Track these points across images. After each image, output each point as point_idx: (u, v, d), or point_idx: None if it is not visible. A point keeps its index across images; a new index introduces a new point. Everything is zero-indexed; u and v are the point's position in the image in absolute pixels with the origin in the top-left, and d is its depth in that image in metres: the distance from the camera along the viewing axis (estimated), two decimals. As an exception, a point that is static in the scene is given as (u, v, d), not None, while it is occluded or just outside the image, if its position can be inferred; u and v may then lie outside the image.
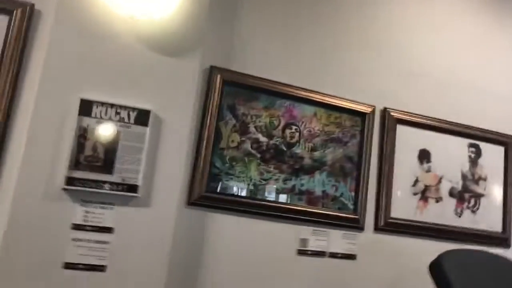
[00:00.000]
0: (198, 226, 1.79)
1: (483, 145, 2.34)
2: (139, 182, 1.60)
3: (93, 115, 1.55)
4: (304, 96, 2.01)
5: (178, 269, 1.72)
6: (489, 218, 2.29)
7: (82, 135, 1.54)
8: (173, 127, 1.69)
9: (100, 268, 1.52)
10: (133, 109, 1.63)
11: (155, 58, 1.70)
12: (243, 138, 1.90)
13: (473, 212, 2.27)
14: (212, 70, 1.87)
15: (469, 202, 2.26)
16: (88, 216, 1.53)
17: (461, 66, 2.38)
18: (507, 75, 2.49)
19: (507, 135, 2.39)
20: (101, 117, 1.56)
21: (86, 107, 1.54)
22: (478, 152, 2.32)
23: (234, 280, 1.82)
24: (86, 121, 1.54)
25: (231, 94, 1.90)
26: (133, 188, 1.59)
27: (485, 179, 2.32)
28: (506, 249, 2.30)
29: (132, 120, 1.62)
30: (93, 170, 1.54)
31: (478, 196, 2.29)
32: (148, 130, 1.63)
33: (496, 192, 2.33)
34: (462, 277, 1.53)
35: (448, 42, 2.38)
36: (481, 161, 2.32)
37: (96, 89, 1.58)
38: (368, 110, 2.12)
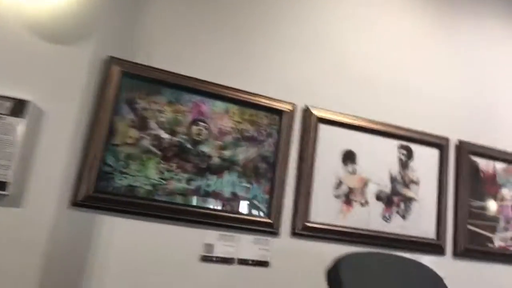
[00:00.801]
0: (84, 229, 1.64)
1: (415, 147, 2.22)
2: (9, 179, 1.45)
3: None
4: (215, 92, 1.89)
5: (58, 275, 1.56)
6: (421, 224, 2.15)
7: None
8: (56, 120, 1.56)
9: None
10: (8, 98, 1.50)
11: (40, 45, 1.58)
12: (142, 134, 1.77)
13: (403, 217, 2.13)
14: (110, 61, 1.75)
15: (398, 207, 2.13)
16: None
17: (395, 67, 2.28)
18: (443, 76, 2.38)
19: (442, 137, 2.27)
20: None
21: None
22: (409, 155, 2.20)
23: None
24: None
25: (131, 87, 1.78)
26: (1, 185, 1.44)
27: (417, 183, 2.19)
28: (441, 256, 2.16)
29: (6, 111, 1.49)
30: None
31: (409, 200, 2.15)
32: (23, 122, 1.50)
33: (429, 196, 2.20)
34: (357, 280, 1.40)
35: (381, 41, 2.28)
36: (412, 164, 2.20)
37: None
38: (287, 108, 1.99)
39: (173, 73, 1.83)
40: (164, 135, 1.79)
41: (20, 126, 1.49)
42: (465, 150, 2.30)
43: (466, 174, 2.28)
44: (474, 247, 2.23)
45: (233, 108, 1.92)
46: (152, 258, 1.71)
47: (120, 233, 1.68)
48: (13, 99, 1.51)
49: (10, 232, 1.45)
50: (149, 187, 1.74)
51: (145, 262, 1.70)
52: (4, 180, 1.45)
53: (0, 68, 1.53)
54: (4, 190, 1.45)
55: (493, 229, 2.30)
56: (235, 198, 1.86)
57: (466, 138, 2.34)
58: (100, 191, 1.66)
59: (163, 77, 1.81)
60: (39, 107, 1.55)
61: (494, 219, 2.31)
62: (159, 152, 1.77)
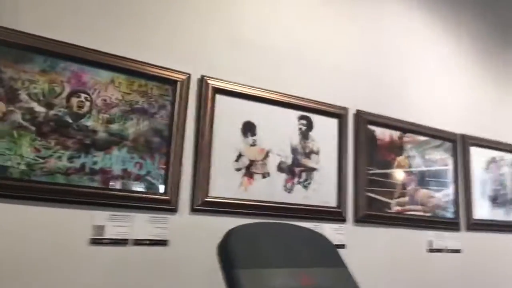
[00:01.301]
0: None
1: (314, 117, 2.22)
2: None
3: None
4: (96, 60, 1.72)
5: None
6: (323, 193, 2.17)
7: None
8: None
9: None
10: None
11: None
12: (10, 108, 1.55)
13: (305, 187, 2.13)
14: (-34, 25, 1.50)
15: (300, 177, 2.12)
16: None
17: (294, 36, 2.26)
18: (343, 47, 2.41)
19: (340, 106, 2.30)
20: None
21: None
22: (309, 125, 2.20)
23: (6, 280, 1.46)
24: None
25: (-6, 54, 1.55)
26: None
27: (317, 153, 2.20)
28: (342, 223, 2.20)
29: None
30: None
31: (310, 171, 2.16)
32: None
33: (330, 166, 2.22)
34: (246, 250, 1.34)
35: (280, 11, 2.24)
36: (312, 134, 2.20)
37: None
38: (181, 78, 1.88)
39: (47, 38, 1.64)
40: (39, 108, 1.60)
41: None
42: (363, 119, 2.36)
43: (364, 143, 2.34)
44: (373, 213, 2.30)
45: (120, 77, 1.76)
46: (35, 245, 1.53)
47: (-11, 219, 1.46)
48: None
49: None
50: (23, 167, 1.54)
51: (27, 250, 1.51)
52: None
53: None
54: None
55: (390, 195, 2.39)
56: (126, 175, 1.72)
57: (364, 108, 2.39)
58: (-41, 173, 1.43)
59: (32, 42, 1.61)
60: None
61: (391, 185, 2.40)
62: (33, 128, 1.58)
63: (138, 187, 1.73)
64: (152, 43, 1.87)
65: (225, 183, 1.92)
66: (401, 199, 2.42)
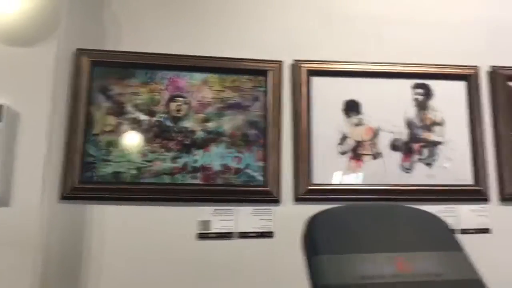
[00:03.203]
0: (76, 220, 1.67)
1: (434, 83, 1.92)
2: (-7, 181, 1.52)
3: None
4: (188, 64, 1.81)
5: (56, 269, 1.60)
6: (453, 169, 1.86)
7: None
8: (32, 120, 1.60)
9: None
10: (-18, 105, 1.57)
11: (7, 50, 1.64)
12: (119, 120, 1.75)
13: (429, 164, 1.85)
14: (78, 53, 1.76)
15: (420, 154, 1.86)
16: None
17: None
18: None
19: (467, 66, 1.94)
20: None
21: None
22: (427, 93, 1.91)
23: (125, 274, 1.66)
24: None
25: (102, 75, 1.78)
26: (-15, 187, 1.52)
27: (441, 124, 1.89)
28: (484, 204, 1.85)
29: (-18, 117, 1.57)
30: None
31: (433, 145, 1.87)
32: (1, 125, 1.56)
33: (459, 137, 1.89)
34: (332, 235, 1.22)
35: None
36: (433, 102, 1.91)
37: None
38: (272, 66, 1.85)
39: (143, 53, 1.80)
40: (143, 117, 1.76)
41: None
42: (501, 75, 1.94)
43: (505, 103, 1.92)
44: (528, 188, 1.86)
45: (212, 77, 1.82)
46: (146, 242, 1.69)
47: (110, 220, 1.68)
48: (-13, 105, 1.57)
49: (3, 231, 1.51)
50: (134, 171, 1.72)
51: (140, 247, 1.69)
52: (-13, 182, 1.52)
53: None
54: (-11, 191, 1.51)
55: (553, 164, 1.90)
56: (226, 169, 1.76)
57: (501, 63, 1.96)
58: (85, 181, 1.68)
59: (132, 58, 1.79)
60: (13, 110, 1.60)
61: (552, 151, 1.91)
62: (139, 135, 1.74)
63: (238, 181, 1.76)
64: (239, 38, 1.88)
65: (329, 169, 1.81)
66: None
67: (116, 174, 1.71)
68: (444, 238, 1.23)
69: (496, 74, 1.94)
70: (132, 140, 1.74)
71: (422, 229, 1.26)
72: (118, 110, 1.75)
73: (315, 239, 1.21)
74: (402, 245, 1.19)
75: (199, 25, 1.87)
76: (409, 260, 1.15)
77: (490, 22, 2.00)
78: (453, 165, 1.86)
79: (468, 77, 1.93)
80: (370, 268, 1.13)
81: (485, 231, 1.82)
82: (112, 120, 1.74)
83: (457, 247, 1.21)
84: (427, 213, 1.32)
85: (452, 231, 1.28)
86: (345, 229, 1.24)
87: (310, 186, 1.77)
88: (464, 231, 1.81)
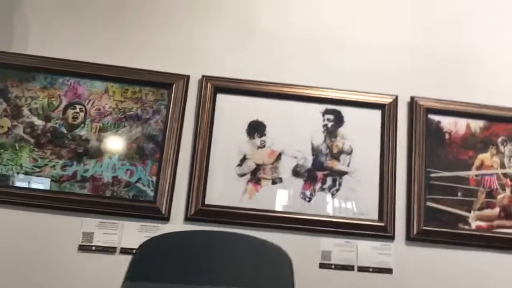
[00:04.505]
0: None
1: (346, 110, 1.84)
2: None
3: None
4: (89, 72, 1.79)
5: None
6: (357, 202, 1.77)
7: None
8: None
9: None
10: None
11: None
12: (14, 123, 1.74)
13: (332, 194, 1.77)
14: (-21, 55, 1.76)
15: (323, 183, 1.78)
16: None
17: (311, 20, 1.94)
18: (383, 21, 1.96)
19: (385, 94, 1.86)
20: None
21: None
22: (337, 120, 1.84)
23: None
24: None
25: (2, 77, 1.76)
26: None
27: (349, 153, 1.81)
28: (387, 242, 1.74)
29: None
30: None
31: (338, 174, 1.79)
32: None
33: (368, 168, 1.80)
34: (146, 261, 1.16)
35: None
36: (342, 130, 1.83)
37: None
38: (177, 80, 1.81)
39: (47, 57, 1.79)
40: (38, 122, 1.74)
41: None
42: (420, 107, 1.85)
43: (422, 137, 1.83)
44: (438, 229, 1.75)
45: (113, 87, 1.79)
46: (30, 248, 1.65)
47: (-6, 224, 1.65)
48: None
49: None
50: (22, 176, 1.69)
51: (23, 253, 1.64)
52: None
53: None
54: None
55: (468, 206, 1.79)
56: (117, 182, 1.72)
57: (422, 93, 1.88)
58: (-28, 182, 1.66)
59: (34, 62, 1.77)
60: None
61: (469, 193, 1.80)
62: (32, 140, 1.72)
63: (128, 194, 1.71)
64: (146, 49, 1.85)
65: (225, 190, 1.74)
66: (486, 212, 1.79)
67: (3, 177, 1.68)
68: (273, 275, 1.15)
69: (415, 105, 1.85)
70: (24, 144, 1.71)
71: (253, 262, 1.17)
72: (15, 113, 1.74)
73: (131, 264, 1.15)
74: (222, 279, 1.12)
75: (106, 33, 1.85)
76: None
77: (414, 50, 1.92)
78: (357, 197, 1.77)
79: (385, 106, 1.84)
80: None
81: (386, 271, 1.71)
82: (7, 122, 1.73)
83: (283, 286, 1.12)
84: (269, 246, 1.24)
85: (290, 268, 1.19)
86: (163, 256, 1.17)
87: (202, 206, 1.71)
88: (363, 269, 1.71)
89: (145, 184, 1.72)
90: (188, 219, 1.71)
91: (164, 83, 1.80)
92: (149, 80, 1.79)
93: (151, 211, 1.69)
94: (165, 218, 1.70)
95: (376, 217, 1.75)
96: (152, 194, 1.71)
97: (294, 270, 1.17)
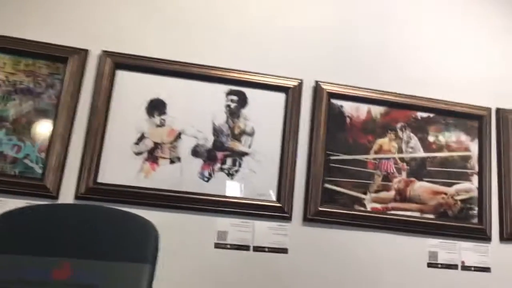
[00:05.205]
0: None
1: (251, 92, 1.84)
2: None
3: None
4: (-22, 41, 1.68)
5: None
6: (255, 183, 1.76)
7: None
8: None
9: None
10: None
11: None
12: None
13: (230, 175, 1.75)
14: None
15: (223, 163, 1.75)
16: None
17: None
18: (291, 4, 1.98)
19: (290, 78, 1.87)
20: None
21: None
22: (241, 101, 1.82)
23: None
24: None
25: None
26: None
27: (250, 134, 1.80)
28: (284, 222, 1.74)
29: None
30: None
31: (238, 155, 1.77)
32: None
33: (269, 150, 1.80)
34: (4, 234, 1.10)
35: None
36: (246, 111, 1.82)
37: None
38: (74, 54, 1.73)
39: None
40: None
41: None
42: (324, 92, 1.87)
43: (324, 121, 1.85)
44: (335, 210, 1.77)
45: (4, 58, 1.69)
46: None
47: None
48: None
49: None
50: None
51: None
52: None
53: None
54: None
55: (364, 188, 1.82)
56: (2, 157, 1.62)
57: (327, 78, 1.90)
58: None
59: None
60: None
61: (366, 176, 1.84)
62: None
63: (13, 171, 1.62)
64: (46, 21, 1.77)
65: (119, 169, 1.68)
66: (382, 195, 1.83)
67: None
68: (134, 248, 1.11)
69: (319, 89, 1.87)
70: None
71: (114, 235, 1.13)
72: None
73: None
74: (77, 251, 1.08)
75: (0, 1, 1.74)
76: (74, 267, 1.03)
77: (321, 36, 1.94)
78: (257, 178, 1.76)
79: (289, 89, 1.85)
80: (21, 271, 1.00)
81: (282, 250, 1.72)
82: None
83: (142, 259, 1.09)
84: (134, 219, 1.20)
85: (155, 241, 1.16)
86: (19, 229, 1.12)
87: (94, 185, 1.64)
88: (258, 249, 1.71)
89: (33, 161, 1.64)
90: (78, 197, 1.64)
91: (60, 57, 1.72)
92: (44, 53, 1.71)
93: (38, 188, 1.61)
94: (53, 197, 1.62)
95: (274, 198, 1.75)
96: (40, 171, 1.63)
97: (159, 243, 1.14)
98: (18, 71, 1.69)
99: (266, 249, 1.71)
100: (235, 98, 1.81)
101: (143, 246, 1.10)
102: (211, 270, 1.65)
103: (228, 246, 1.69)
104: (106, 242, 1.10)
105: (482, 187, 1.90)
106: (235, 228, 1.70)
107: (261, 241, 1.71)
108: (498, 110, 1.99)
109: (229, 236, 1.69)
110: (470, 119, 1.96)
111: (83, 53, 1.74)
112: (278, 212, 1.74)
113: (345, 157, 1.83)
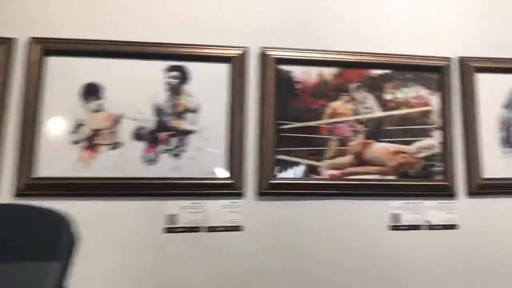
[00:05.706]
0: None
1: (192, 65, 1.74)
2: None
3: None
4: None
5: None
6: (204, 161, 1.68)
7: None
8: None
9: None
10: None
11: None
12: None
13: (176, 155, 1.67)
14: None
15: (167, 144, 1.67)
16: None
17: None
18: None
19: (233, 46, 1.76)
20: None
21: None
22: (183, 77, 1.73)
23: None
24: None
25: None
26: None
27: (195, 111, 1.71)
28: (239, 199, 1.68)
29: None
30: None
31: (183, 134, 1.69)
32: None
33: (216, 126, 1.71)
34: None
35: None
36: (188, 87, 1.72)
37: None
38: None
39: None
40: None
41: None
42: (270, 58, 1.77)
43: (272, 90, 1.75)
44: (288, 182, 1.70)
45: None
46: None
47: None
48: None
49: None
50: None
51: None
52: None
53: None
54: None
55: (318, 156, 1.74)
56: None
57: (272, 44, 1.79)
58: None
59: None
60: None
61: (320, 142, 1.75)
62: None
63: None
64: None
65: (58, 161, 1.61)
66: (338, 160, 1.75)
67: None
68: (42, 246, 1.04)
69: (265, 56, 1.76)
70: None
71: (21, 234, 1.07)
72: None
73: None
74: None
75: None
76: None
77: (264, 0, 1.82)
78: (205, 156, 1.68)
79: (233, 58, 1.74)
80: None
81: (236, 228, 1.66)
82: None
83: (50, 258, 1.02)
84: (49, 214, 1.13)
85: (69, 236, 1.09)
86: None
87: (30, 180, 1.57)
88: (212, 229, 1.65)
89: (-34, 160, 1.56)
90: (18, 194, 1.57)
91: (-16, 45, 1.62)
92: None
93: (-26, 189, 1.54)
94: (-7, 196, 1.55)
95: (225, 175, 1.67)
96: (-26, 170, 1.56)
97: (75, 234, 1.08)
98: None
99: (220, 228, 1.65)
100: (175, 74, 1.72)
101: (52, 243, 1.03)
102: (161, 256, 1.59)
103: (180, 229, 1.62)
104: (10, 243, 1.03)
105: (446, 141, 1.81)
106: (186, 210, 1.64)
107: (214, 221, 1.65)
108: (460, 60, 1.88)
109: (180, 219, 1.63)
110: (429, 71, 1.86)
111: (8, 42, 1.63)
112: (230, 189, 1.67)
113: (297, 124, 1.75)
